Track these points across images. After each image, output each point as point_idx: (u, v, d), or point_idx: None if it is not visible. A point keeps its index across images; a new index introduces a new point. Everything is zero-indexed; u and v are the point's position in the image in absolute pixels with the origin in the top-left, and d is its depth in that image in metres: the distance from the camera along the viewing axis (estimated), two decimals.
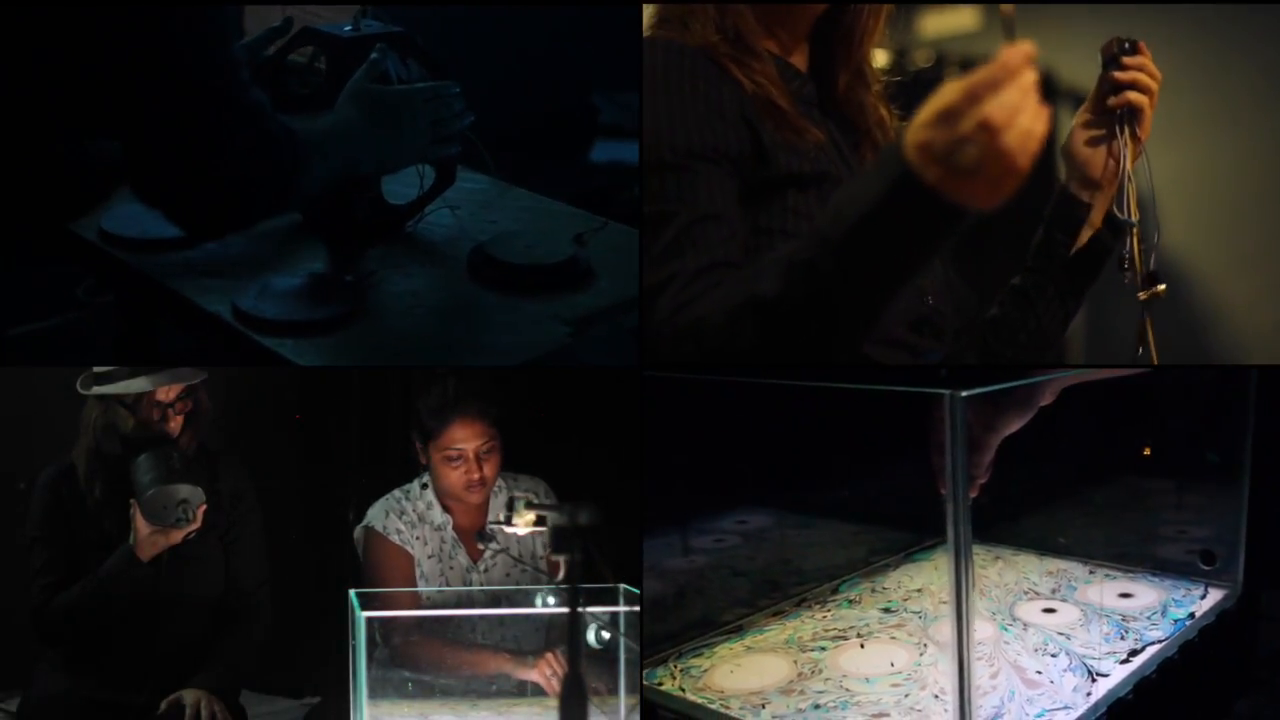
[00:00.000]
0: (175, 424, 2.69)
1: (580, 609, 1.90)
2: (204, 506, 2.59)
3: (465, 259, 2.71)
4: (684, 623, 2.66)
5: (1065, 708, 2.22)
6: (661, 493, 2.59)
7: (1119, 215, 2.34)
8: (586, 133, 4.36)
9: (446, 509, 2.92)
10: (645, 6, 2.38)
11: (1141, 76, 2.32)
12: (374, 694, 2.44)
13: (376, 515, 2.93)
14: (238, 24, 2.44)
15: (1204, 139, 3.62)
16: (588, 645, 2.47)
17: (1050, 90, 2.11)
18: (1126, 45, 2.34)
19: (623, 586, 2.60)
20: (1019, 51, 1.64)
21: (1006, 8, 2.37)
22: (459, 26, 3.41)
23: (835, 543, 3.04)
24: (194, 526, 2.59)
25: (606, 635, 2.49)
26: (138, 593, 2.61)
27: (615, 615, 2.53)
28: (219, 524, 2.74)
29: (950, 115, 1.65)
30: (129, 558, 2.60)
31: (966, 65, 3.96)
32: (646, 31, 2.30)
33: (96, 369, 2.67)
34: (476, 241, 2.75)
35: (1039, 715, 2.19)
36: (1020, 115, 1.63)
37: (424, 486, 2.94)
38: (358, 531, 2.97)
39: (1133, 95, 2.33)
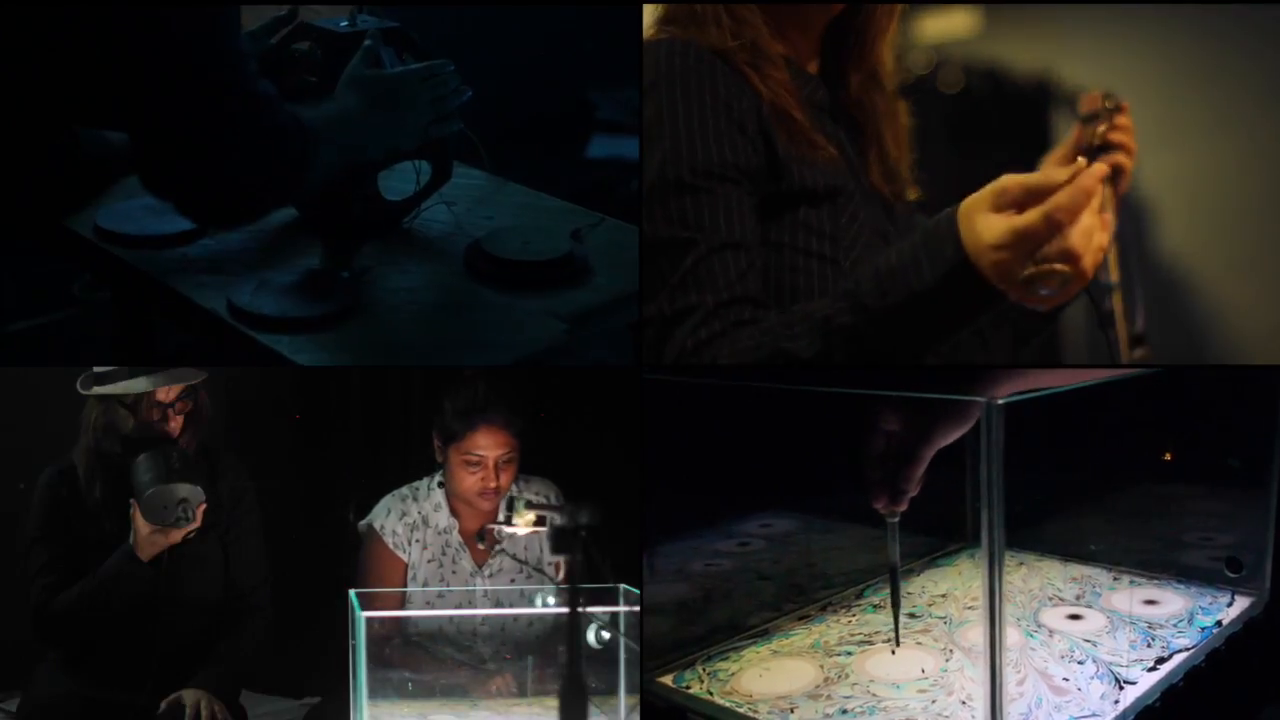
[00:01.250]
0: (175, 424, 2.69)
1: (580, 609, 1.88)
2: (203, 506, 2.58)
3: (462, 255, 2.71)
4: (710, 626, 2.65)
5: (1093, 715, 2.22)
6: (684, 496, 2.58)
7: (1100, 278, 2.34)
8: (583, 128, 4.37)
9: (455, 512, 2.91)
10: (649, 5, 2.37)
11: (1130, 139, 2.34)
12: (374, 694, 2.42)
13: (379, 513, 2.93)
14: (237, 14, 2.44)
15: (1204, 141, 3.61)
16: (588, 645, 2.46)
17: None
18: (1113, 104, 2.36)
19: (623, 586, 2.59)
20: (1094, 175, 1.75)
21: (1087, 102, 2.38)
22: (455, 22, 3.42)
23: (859, 547, 3.02)
24: (194, 526, 2.58)
25: (606, 635, 2.48)
26: (138, 593, 2.61)
27: (615, 615, 2.51)
28: (219, 524, 2.73)
29: (1030, 240, 1.74)
30: (129, 557, 2.59)
31: (970, 70, 3.96)
32: (653, 29, 2.29)
33: (96, 369, 2.67)
34: (473, 238, 2.75)
35: None
36: (1095, 234, 1.75)
37: (439, 485, 2.92)
38: (362, 524, 2.97)
39: (1121, 157, 2.34)
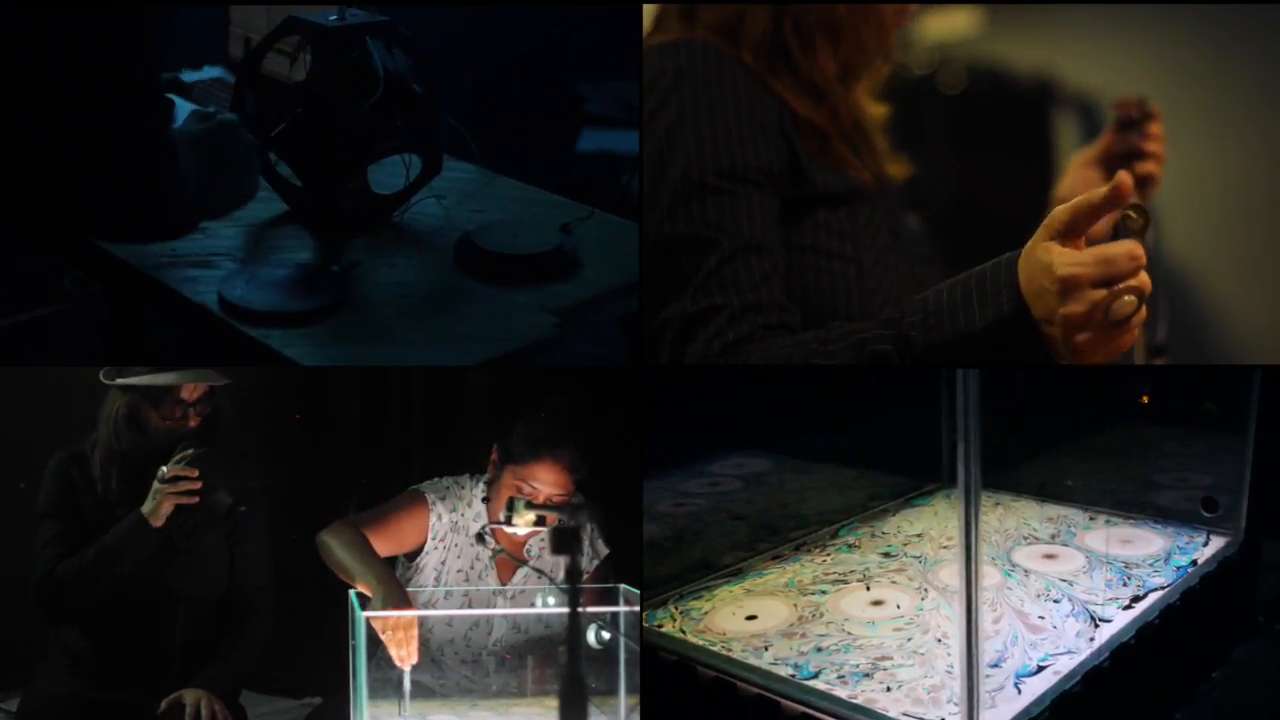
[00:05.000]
0: (195, 424, 2.69)
1: (580, 609, 1.88)
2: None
3: (451, 249, 2.71)
4: (683, 565, 2.70)
5: (1069, 652, 2.27)
6: (660, 436, 2.58)
7: None
8: (573, 122, 4.36)
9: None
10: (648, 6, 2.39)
11: (1161, 148, 2.36)
12: (374, 694, 2.43)
13: (434, 486, 2.85)
14: (163, 33, 2.41)
15: (1206, 141, 3.60)
16: (588, 645, 2.45)
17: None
18: (1147, 110, 2.37)
19: (623, 586, 2.60)
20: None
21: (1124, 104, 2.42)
22: (445, 15, 3.42)
23: (834, 487, 3.07)
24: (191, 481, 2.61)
25: (606, 635, 2.47)
26: (142, 560, 2.62)
27: (615, 615, 2.51)
28: (225, 524, 2.73)
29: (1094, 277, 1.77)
30: (139, 520, 2.61)
31: (971, 71, 3.96)
32: (680, 32, 2.28)
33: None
34: (463, 231, 2.75)
35: (1043, 659, 2.23)
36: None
37: (482, 500, 2.82)
38: (412, 488, 2.88)
39: (1153, 165, 2.36)
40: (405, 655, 2.46)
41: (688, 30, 2.28)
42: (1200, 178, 3.63)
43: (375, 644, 2.58)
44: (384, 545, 2.72)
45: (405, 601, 2.49)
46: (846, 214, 2.22)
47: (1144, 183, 2.44)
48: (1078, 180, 2.51)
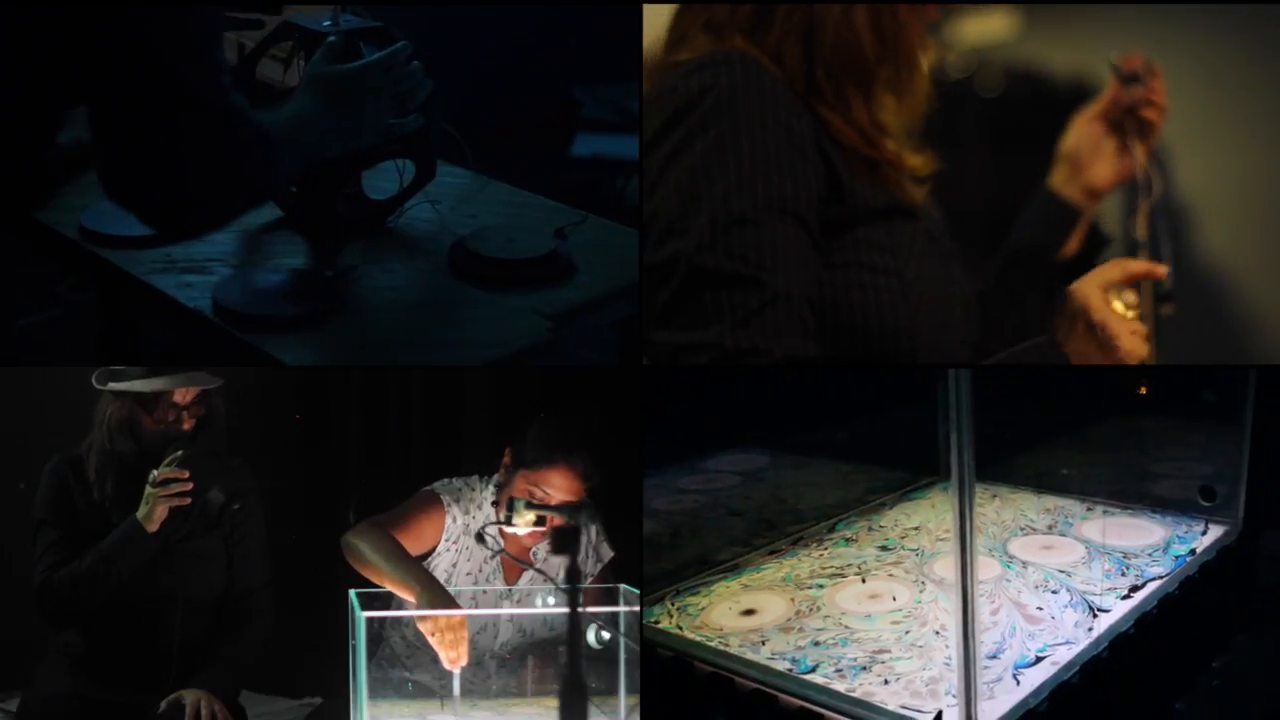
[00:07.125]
0: (189, 426, 2.69)
1: (580, 609, 1.88)
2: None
3: (446, 253, 2.72)
4: (679, 561, 2.70)
5: (1067, 643, 2.28)
6: (658, 433, 2.60)
7: (1132, 235, 2.41)
8: (568, 126, 4.37)
9: (499, 532, 2.79)
10: (649, 5, 2.39)
11: (1164, 100, 2.40)
12: (374, 694, 2.44)
13: (447, 487, 2.83)
14: (220, 25, 2.43)
15: (1243, 141, 3.59)
16: (588, 645, 2.45)
17: None
18: (1150, 67, 2.42)
19: (623, 586, 2.60)
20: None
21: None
22: (439, 19, 3.42)
23: (831, 482, 3.08)
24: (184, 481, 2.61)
25: (606, 635, 2.48)
26: (139, 565, 2.62)
27: (615, 615, 2.52)
28: (222, 525, 2.74)
29: None
30: (135, 526, 2.60)
31: (1011, 74, 3.97)
32: (710, 43, 2.27)
33: (114, 367, 2.68)
34: (457, 236, 2.77)
35: (1041, 650, 2.24)
36: None
37: (491, 503, 2.79)
38: (426, 489, 2.85)
39: (1154, 113, 2.40)
40: (455, 657, 2.47)
41: (716, 42, 2.25)
42: (1239, 179, 3.64)
43: (375, 644, 2.59)
44: (406, 547, 2.72)
45: (451, 603, 2.49)
46: (883, 228, 2.22)
47: (1145, 130, 2.47)
48: (1083, 137, 2.54)
